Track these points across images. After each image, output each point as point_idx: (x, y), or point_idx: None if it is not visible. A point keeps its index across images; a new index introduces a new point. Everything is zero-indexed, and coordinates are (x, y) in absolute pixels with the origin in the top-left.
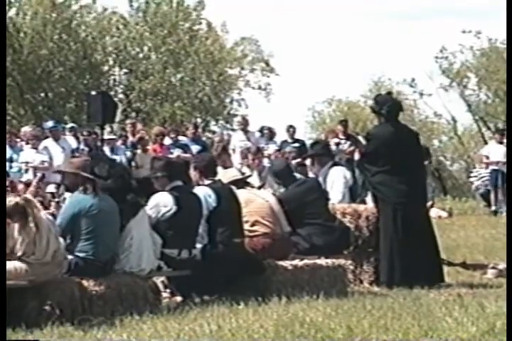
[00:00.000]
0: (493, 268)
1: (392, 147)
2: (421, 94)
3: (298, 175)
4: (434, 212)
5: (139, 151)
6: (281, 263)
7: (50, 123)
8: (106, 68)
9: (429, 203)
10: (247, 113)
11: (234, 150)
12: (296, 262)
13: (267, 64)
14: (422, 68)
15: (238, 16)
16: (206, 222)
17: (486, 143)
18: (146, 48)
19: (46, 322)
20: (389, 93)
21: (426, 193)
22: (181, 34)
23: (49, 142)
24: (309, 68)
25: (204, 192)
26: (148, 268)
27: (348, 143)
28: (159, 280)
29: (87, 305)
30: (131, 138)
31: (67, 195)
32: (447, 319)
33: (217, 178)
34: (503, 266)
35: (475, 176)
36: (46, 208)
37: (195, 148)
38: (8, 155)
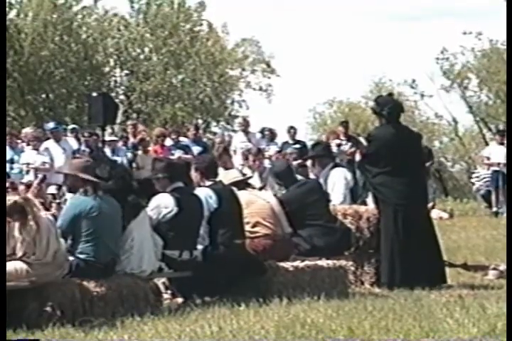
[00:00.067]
0: (494, 269)
1: (393, 148)
2: (422, 95)
3: (299, 177)
4: (435, 213)
5: (139, 152)
6: (282, 264)
7: (51, 125)
8: (107, 69)
9: (430, 204)
10: (248, 114)
11: (235, 151)
12: (297, 263)
13: (268, 65)
14: (422, 69)
15: (239, 17)
16: (207, 223)
17: (486, 144)
18: (147, 49)
19: (47, 323)
20: (390, 94)
21: (427, 194)
22: (182, 35)
23: (50, 143)
24: (310, 69)
25: (205, 194)
26: (150, 270)
27: (349, 144)
28: (160, 282)
29: (88, 307)
30: (132, 140)
31: (68, 196)
32: (448, 320)
33: (218, 179)
34: (504, 267)
35: (476, 177)
36: (47, 209)
37: (196, 149)
38: (9, 157)
